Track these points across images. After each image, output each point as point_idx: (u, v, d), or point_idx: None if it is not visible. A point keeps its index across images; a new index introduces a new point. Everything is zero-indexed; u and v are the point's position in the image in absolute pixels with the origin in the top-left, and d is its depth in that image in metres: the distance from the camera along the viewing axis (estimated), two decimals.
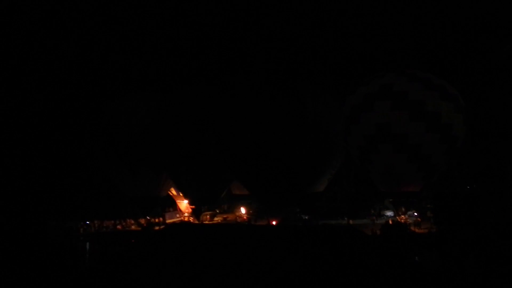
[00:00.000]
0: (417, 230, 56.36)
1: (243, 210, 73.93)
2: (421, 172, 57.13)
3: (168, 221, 69.68)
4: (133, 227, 70.57)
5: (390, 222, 59.97)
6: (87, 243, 56.91)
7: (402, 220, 59.59)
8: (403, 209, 61.96)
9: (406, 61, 69.84)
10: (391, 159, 57.13)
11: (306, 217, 69.63)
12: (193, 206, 67.01)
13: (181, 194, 69.60)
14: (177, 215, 71.85)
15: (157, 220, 69.35)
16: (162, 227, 65.98)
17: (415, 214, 64.53)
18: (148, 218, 69.27)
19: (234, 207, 75.92)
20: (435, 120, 55.59)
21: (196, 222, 67.04)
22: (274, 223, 61.11)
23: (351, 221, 65.94)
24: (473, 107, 59.15)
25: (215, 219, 72.50)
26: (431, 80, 57.97)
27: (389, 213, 66.61)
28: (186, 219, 71.47)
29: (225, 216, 75.00)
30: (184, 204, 71.59)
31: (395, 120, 55.98)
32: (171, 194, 72.18)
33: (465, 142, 60.14)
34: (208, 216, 70.47)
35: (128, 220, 72.20)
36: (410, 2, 74.80)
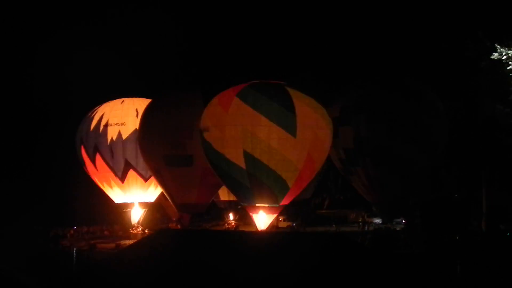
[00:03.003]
0: None
1: (231, 216, 73.79)
2: (404, 180, 57.30)
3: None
4: (120, 233, 70.27)
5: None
6: (74, 249, 56.43)
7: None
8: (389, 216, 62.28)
9: (383, 65, 70.25)
10: (373, 170, 57.33)
11: (294, 224, 69.73)
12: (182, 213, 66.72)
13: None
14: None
15: (140, 229, 68.91)
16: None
17: (403, 221, 64.80)
18: (132, 229, 68.98)
19: (222, 214, 75.73)
20: (413, 129, 55.78)
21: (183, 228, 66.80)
22: (261, 230, 61.04)
23: (338, 229, 66.11)
24: (458, 111, 59.56)
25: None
26: (407, 87, 58.16)
27: (377, 220, 66.86)
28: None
29: (213, 222, 74.89)
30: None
31: (372, 133, 56.17)
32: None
33: (452, 148, 60.49)
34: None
35: (115, 226, 71.98)
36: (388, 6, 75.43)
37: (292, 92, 55.14)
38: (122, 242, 61.49)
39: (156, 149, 61.77)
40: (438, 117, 57.28)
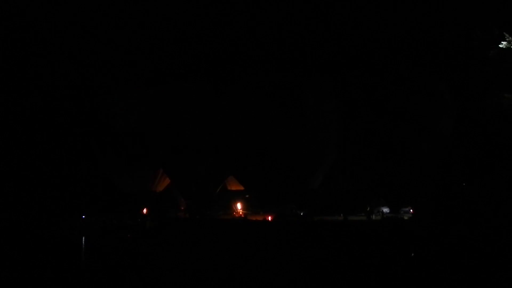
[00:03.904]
0: None
1: (239, 205, 73.96)
2: (410, 171, 57.39)
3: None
4: (129, 222, 70.56)
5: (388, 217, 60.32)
6: (83, 238, 56.79)
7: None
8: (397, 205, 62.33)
9: (388, 56, 69.95)
10: (378, 162, 57.47)
11: (302, 213, 69.77)
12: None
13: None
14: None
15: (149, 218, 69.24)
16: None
17: (411, 210, 64.77)
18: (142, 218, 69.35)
19: (230, 203, 75.91)
20: (418, 122, 55.76)
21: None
22: (269, 218, 61.25)
23: (346, 218, 66.12)
24: (466, 101, 59.41)
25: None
26: (412, 78, 58.08)
27: (385, 209, 66.85)
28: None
29: (220, 212, 74.96)
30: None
31: (377, 125, 56.20)
32: None
33: (461, 138, 60.36)
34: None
35: (124, 215, 72.20)
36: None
37: (299, 81, 55.49)
38: (131, 231, 61.87)
39: (163, 139, 62.04)
40: (444, 108, 57.16)
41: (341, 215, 67.28)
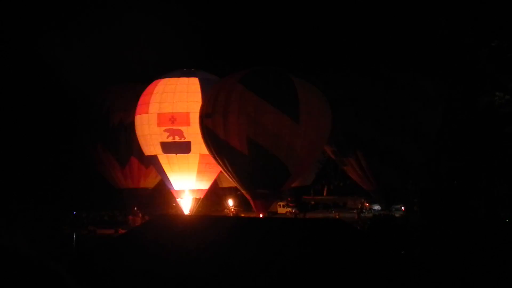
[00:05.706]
0: None
1: (230, 202, 73.91)
2: (397, 170, 57.18)
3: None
4: (119, 218, 70.37)
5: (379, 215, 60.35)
6: (74, 234, 56.53)
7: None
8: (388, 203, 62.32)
9: (374, 52, 69.69)
10: (365, 162, 57.22)
11: (293, 210, 69.97)
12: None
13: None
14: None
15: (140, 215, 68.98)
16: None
17: (402, 208, 64.92)
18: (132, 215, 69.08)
19: (221, 200, 75.87)
20: (401, 120, 55.49)
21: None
22: (261, 215, 61.25)
23: (337, 215, 66.27)
24: (456, 99, 59.14)
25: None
26: (394, 77, 57.62)
27: (376, 207, 67.02)
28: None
29: (212, 209, 74.89)
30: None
31: (361, 126, 55.88)
32: None
33: (452, 136, 60.23)
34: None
35: (115, 211, 72.08)
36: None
37: (295, 79, 55.07)
38: (122, 227, 61.66)
39: (153, 136, 61.74)
40: (429, 106, 56.84)
41: (333, 212, 67.52)
